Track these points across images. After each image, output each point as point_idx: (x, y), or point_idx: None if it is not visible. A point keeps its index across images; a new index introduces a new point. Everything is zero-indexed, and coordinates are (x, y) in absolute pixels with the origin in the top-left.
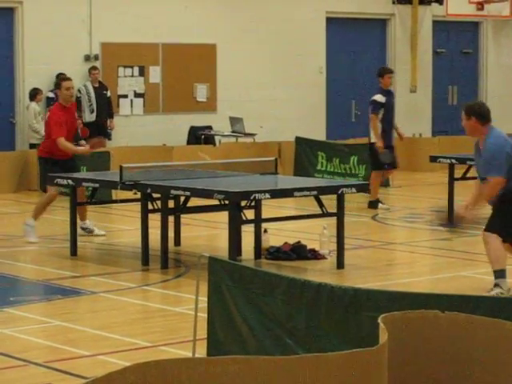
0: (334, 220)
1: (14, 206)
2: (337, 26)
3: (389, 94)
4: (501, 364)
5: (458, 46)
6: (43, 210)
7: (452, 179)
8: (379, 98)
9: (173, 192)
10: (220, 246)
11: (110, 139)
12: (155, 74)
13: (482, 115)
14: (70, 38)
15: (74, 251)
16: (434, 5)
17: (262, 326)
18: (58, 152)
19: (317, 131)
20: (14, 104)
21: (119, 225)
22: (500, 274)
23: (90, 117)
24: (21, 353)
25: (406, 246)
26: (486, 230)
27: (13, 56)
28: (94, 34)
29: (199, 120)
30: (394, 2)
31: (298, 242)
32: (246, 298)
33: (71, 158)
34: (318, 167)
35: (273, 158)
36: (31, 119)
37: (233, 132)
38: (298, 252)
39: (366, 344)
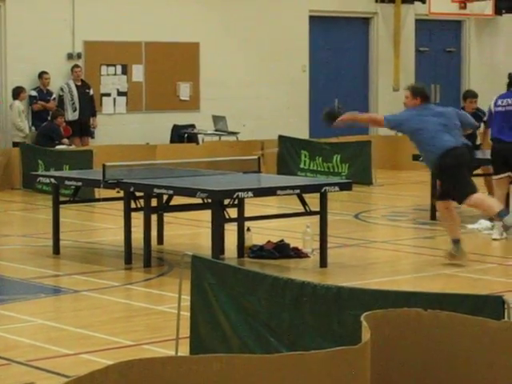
0: (317, 218)
1: None
2: (320, 24)
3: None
4: (483, 361)
5: (440, 45)
6: None
7: (434, 178)
8: None
9: (156, 191)
10: (203, 244)
11: (93, 137)
12: (138, 72)
13: (427, 97)
14: (53, 36)
15: (56, 250)
16: (417, 3)
17: (245, 325)
18: None
19: (300, 130)
20: None
21: (102, 223)
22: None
23: (72, 115)
24: (3, 351)
25: (389, 244)
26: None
27: None
28: (76, 33)
29: (182, 118)
30: (376, 1)
31: (281, 240)
32: (228, 297)
33: None
34: (301, 166)
35: (256, 157)
36: (15, 117)
37: (216, 130)
38: (281, 250)
39: (349, 342)
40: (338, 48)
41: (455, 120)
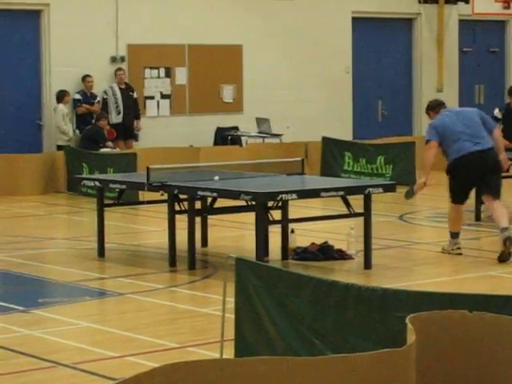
0: (361, 220)
1: (41, 208)
2: (363, 25)
3: None
4: None
5: (484, 45)
6: None
7: None
8: (497, 113)
9: (200, 193)
10: (247, 246)
11: (137, 140)
12: (181, 75)
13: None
14: (97, 39)
15: (101, 252)
16: (460, 4)
17: (290, 327)
18: None
19: (343, 131)
20: (41, 106)
21: (146, 226)
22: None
23: (116, 118)
24: (48, 354)
25: (433, 245)
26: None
27: (39, 59)
28: (120, 36)
29: (226, 121)
30: (420, 2)
31: (325, 242)
32: (273, 299)
33: None
34: (345, 167)
35: (299, 159)
36: (59, 121)
37: (259, 133)
38: (325, 252)
39: (394, 344)
40: (381, 49)
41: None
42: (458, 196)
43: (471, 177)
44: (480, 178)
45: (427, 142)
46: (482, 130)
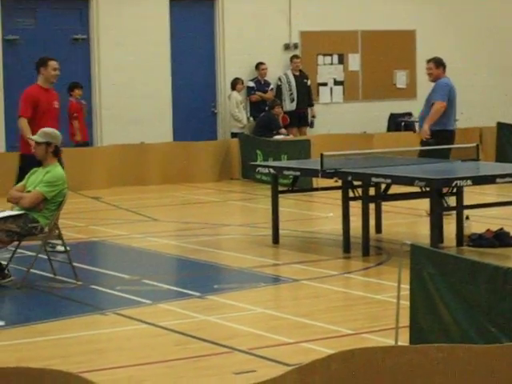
0: None
1: (215, 195)
2: None
3: None
4: None
5: None
6: None
7: None
8: None
9: (374, 180)
10: (421, 233)
11: (312, 127)
12: (354, 61)
13: (445, 65)
14: (270, 27)
15: (275, 239)
16: None
17: (465, 314)
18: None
19: None
20: (216, 94)
21: (320, 212)
22: None
23: (290, 105)
24: (225, 339)
25: None
26: None
27: (214, 47)
28: (293, 23)
29: (399, 107)
30: None
31: (501, 228)
32: (448, 286)
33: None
34: None
35: (474, 144)
36: (233, 108)
37: None
38: (501, 239)
39: None
40: None
41: None
42: None
43: None
44: None
45: None
46: None
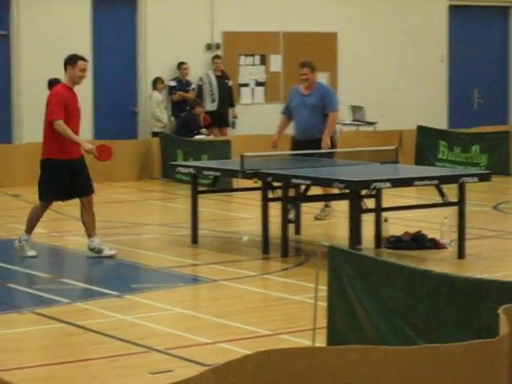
0: (455, 209)
1: (136, 194)
2: (459, 14)
3: None
4: None
5: None
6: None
7: None
8: None
9: (293, 181)
10: (340, 234)
11: (233, 127)
12: (276, 62)
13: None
14: (192, 27)
15: (195, 239)
16: None
17: (382, 316)
18: (67, 149)
19: (438, 120)
20: (137, 93)
21: (240, 213)
22: None
23: (211, 106)
24: (142, 339)
25: None
26: None
27: (135, 46)
28: (215, 23)
29: None
30: None
31: (419, 231)
32: (366, 288)
33: (81, 157)
34: (439, 156)
35: (394, 147)
36: (154, 108)
37: (354, 121)
38: (419, 241)
39: (487, 335)
40: (477, 37)
41: None
42: None
43: None
44: None
45: None
46: None
